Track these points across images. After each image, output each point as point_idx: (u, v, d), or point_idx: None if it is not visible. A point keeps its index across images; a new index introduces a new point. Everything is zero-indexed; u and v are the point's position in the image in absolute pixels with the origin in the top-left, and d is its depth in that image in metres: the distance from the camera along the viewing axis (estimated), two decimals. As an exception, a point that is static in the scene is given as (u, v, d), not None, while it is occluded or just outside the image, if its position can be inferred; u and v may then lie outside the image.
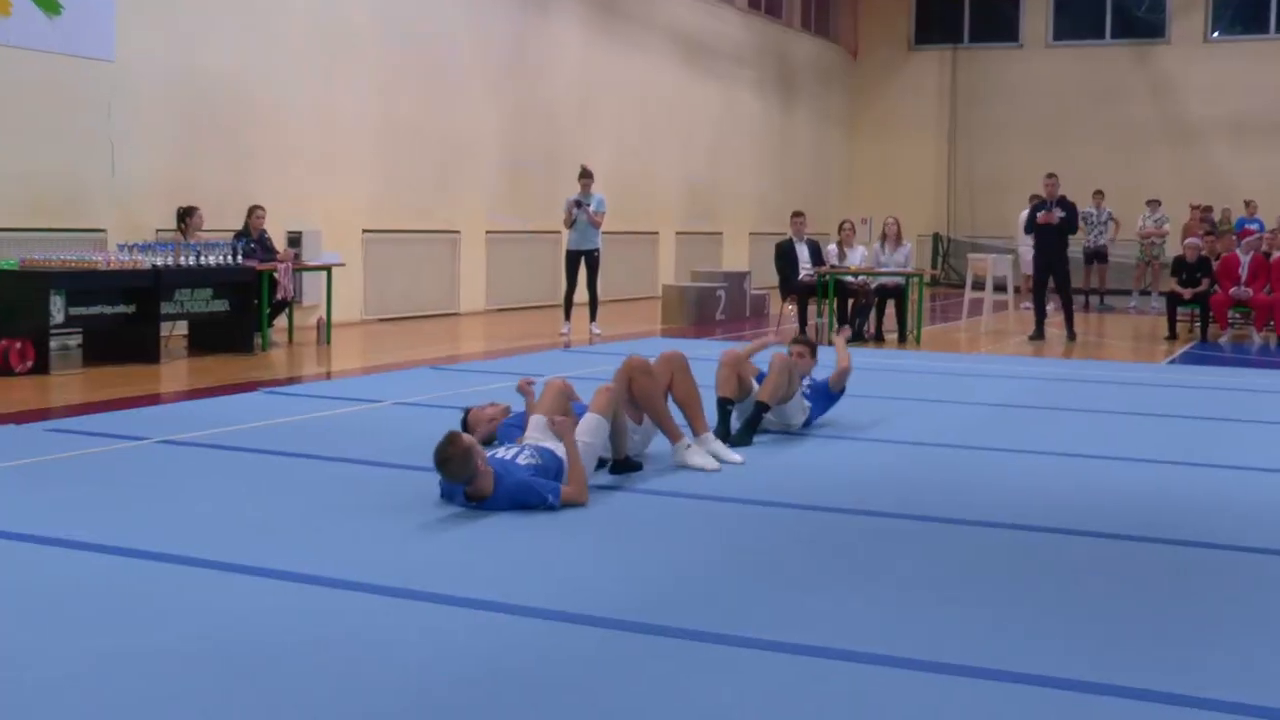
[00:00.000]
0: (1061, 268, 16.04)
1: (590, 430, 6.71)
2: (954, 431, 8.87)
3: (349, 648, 4.18)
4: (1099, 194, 22.59)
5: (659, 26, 23.50)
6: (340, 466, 7.18)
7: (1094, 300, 22.65)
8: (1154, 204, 22.80)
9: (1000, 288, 19.03)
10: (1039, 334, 16.04)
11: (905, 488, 6.99)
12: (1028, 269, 19.38)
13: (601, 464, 7.00)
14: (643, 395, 7.16)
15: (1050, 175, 16.39)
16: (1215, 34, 28.79)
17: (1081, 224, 22.27)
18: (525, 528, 5.82)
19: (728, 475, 7.17)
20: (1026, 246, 19.08)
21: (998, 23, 30.54)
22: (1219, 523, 6.24)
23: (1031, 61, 29.86)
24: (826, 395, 8.95)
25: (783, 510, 6.36)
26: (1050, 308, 16.75)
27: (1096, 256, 22.41)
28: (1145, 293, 22.97)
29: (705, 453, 7.32)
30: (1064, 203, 16.09)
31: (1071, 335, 16.08)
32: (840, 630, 4.43)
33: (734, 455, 7.51)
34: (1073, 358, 14.37)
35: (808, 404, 8.70)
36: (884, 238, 16.27)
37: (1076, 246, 22.39)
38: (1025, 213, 16.74)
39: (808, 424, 8.71)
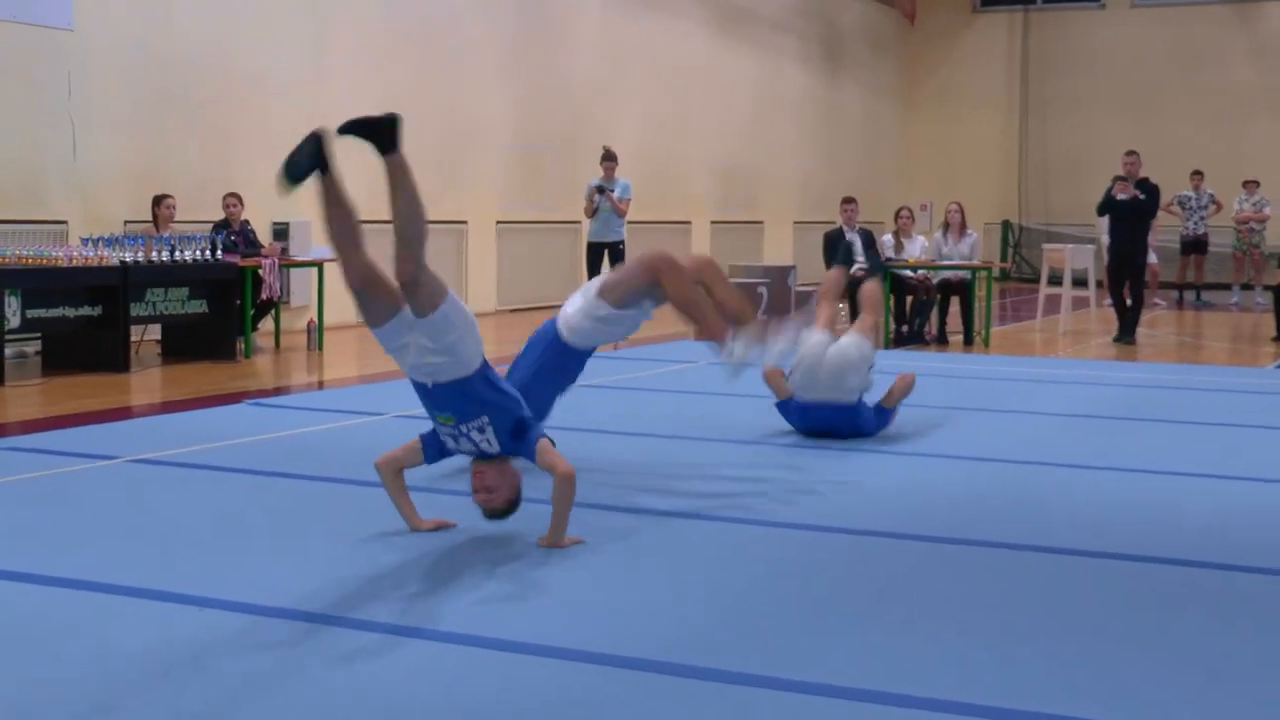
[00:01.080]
0: (1138, 258, 15.94)
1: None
2: (1026, 445, 8.85)
3: (332, 688, 4.20)
4: (1198, 174, 22.50)
5: (690, -12, 23.53)
6: (334, 488, 7.21)
7: (1190, 296, 22.57)
8: (1251, 185, 22.66)
9: (1080, 282, 18.96)
10: (1126, 335, 15.96)
11: (971, 509, 6.98)
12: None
13: None
14: (678, 296, 7.33)
15: (1130, 152, 16.29)
16: (1326, -11, 28.68)
17: (1178, 208, 22.24)
18: (546, 553, 5.83)
19: (769, 494, 7.17)
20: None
21: (1076, -20, 30.44)
22: (1331, 548, 6.21)
23: (1114, 23, 29.77)
24: (879, 413, 8.96)
25: (832, 535, 6.36)
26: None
27: (1195, 246, 22.32)
28: (1248, 286, 22.84)
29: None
30: (1145, 185, 16.00)
31: (1131, 337, 15.91)
32: (895, 673, 4.42)
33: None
34: (1165, 361, 14.32)
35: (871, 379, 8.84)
36: (946, 226, 16.24)
37: (1173, 234, 22.33)
38: (1104, 194, 16.68)
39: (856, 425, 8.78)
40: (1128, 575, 5.75)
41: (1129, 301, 16.15)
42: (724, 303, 7.59)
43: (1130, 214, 15.84)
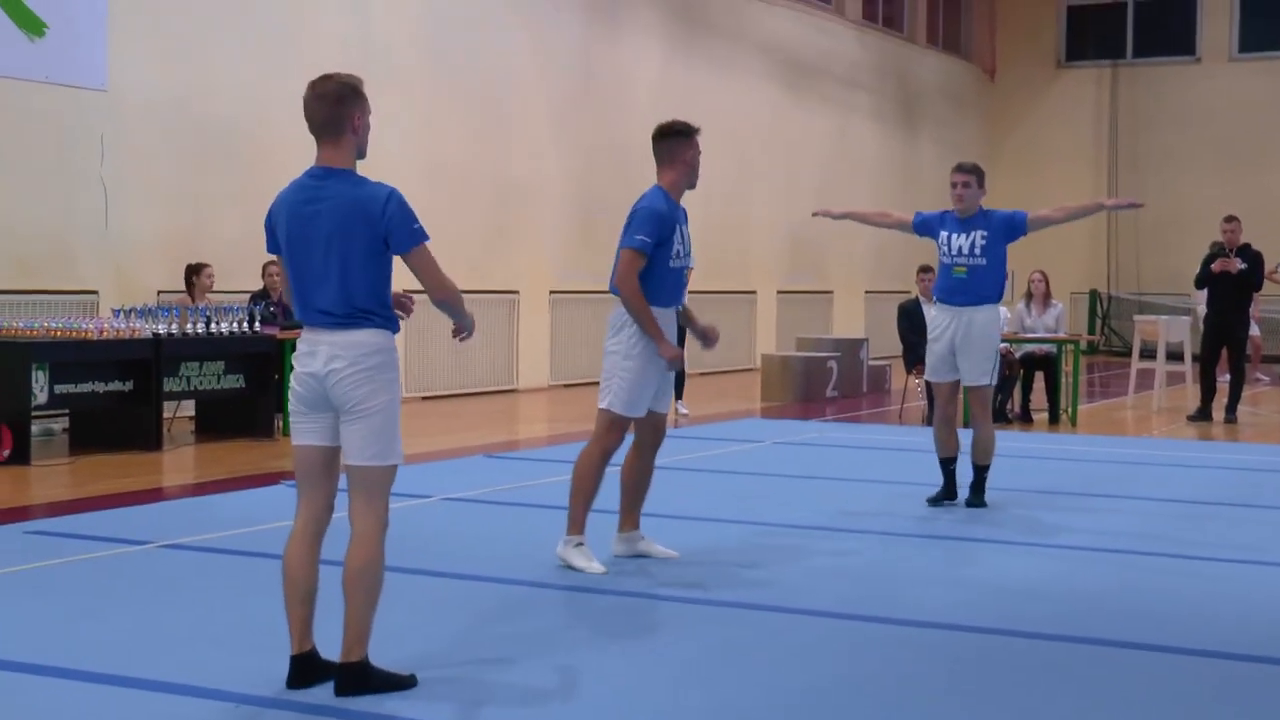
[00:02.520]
0: (1238, 331, 15.76)
1: None
2: (1122, 534, 8.74)
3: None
4: (1303, 239, 22.33)
5: (754, 42, 23.64)
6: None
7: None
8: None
9: (1175, 356, 18.80)
10: (1204, 413, 15.75)
11: (1064, 603, 6.88)
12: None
13: None
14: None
15: (1230, 218, 16.08)
16: None
17: (1281, 277, 22.03)
18: (602, 644, 5.78)
19: (845, 585, 7.10)
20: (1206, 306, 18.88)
21: (1168, 33, 30.40)
22: None
23: (1211, 78, 29.67)
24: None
25: (913, 630, 6.28)
26: (1223, 380, 16.41)
27: (1302, 317, 22.11)
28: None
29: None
30: (1247, 252, 15.79)
31: (1232, 416, 15.74)
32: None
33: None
34: (1270, 443, 14.14)
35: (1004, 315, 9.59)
36: (1029, 296, 16.15)
37: (1276, 304, 22.09)
38: (1201, 264, 16.55)
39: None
40: (1240, 678, 5.64)
41: (1226, 377, 15.98)
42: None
43: (1232, 284, 15.66)
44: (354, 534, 5.23)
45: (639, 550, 7.62)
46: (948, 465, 9.59)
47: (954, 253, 9.32)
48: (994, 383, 9.58)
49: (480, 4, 18.22)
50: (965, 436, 9.59)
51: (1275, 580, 7.49)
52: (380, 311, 5.23)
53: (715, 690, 5.34)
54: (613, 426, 7.46)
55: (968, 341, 9.28)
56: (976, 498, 9.49)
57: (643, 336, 7.43)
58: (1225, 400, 15.85)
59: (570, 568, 7.31)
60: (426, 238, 5.24)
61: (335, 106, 5.30)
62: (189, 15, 14.61)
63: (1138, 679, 5.56)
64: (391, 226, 5.15)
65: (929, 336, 9.54)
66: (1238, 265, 15.55)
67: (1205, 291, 16.43)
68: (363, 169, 5.40)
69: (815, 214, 10.20)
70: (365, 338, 5.18)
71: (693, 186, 7.80)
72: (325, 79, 5.34)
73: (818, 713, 5.09)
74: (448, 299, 5.34)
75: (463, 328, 5.51)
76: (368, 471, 5.22)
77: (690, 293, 16.52)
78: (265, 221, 5.44)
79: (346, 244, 5.17)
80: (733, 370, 22.47)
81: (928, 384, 15.43)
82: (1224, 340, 15.80)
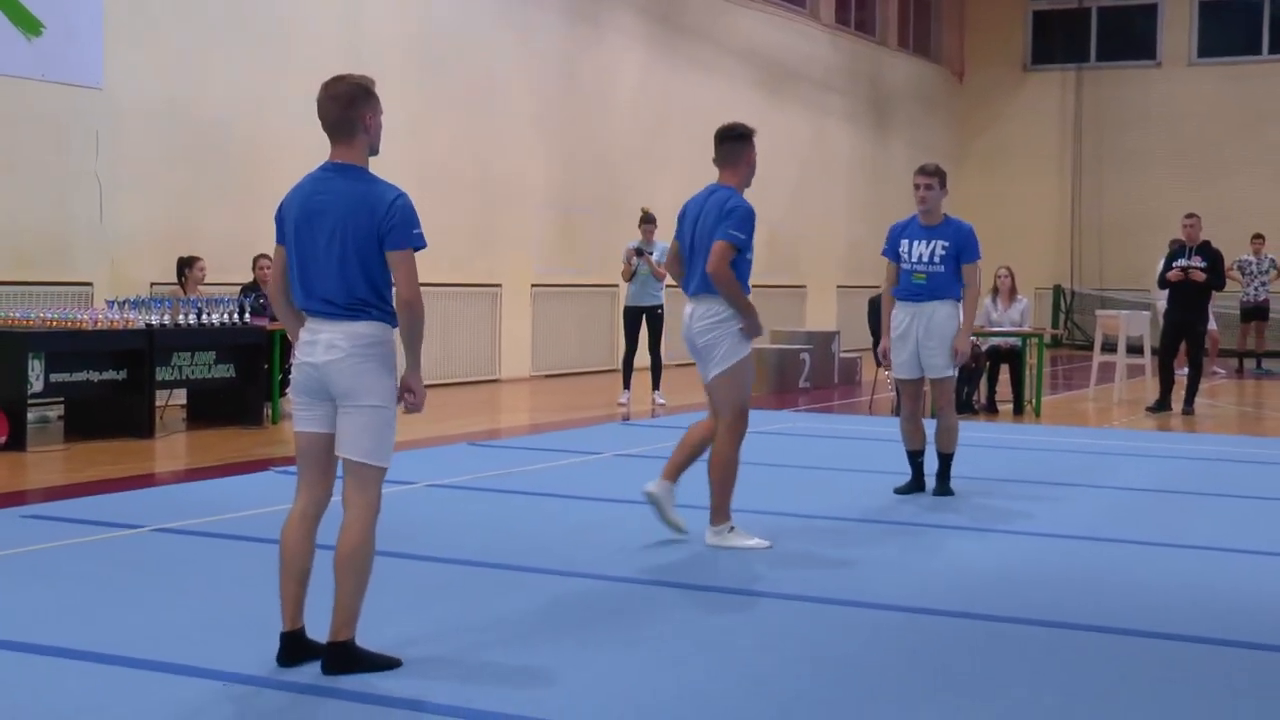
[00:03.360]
0: (1198, 327, 15.79)
1: None
2: (1083, 521, 8.77)
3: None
4: (1259, 238, 22.38)
5: (732, 46, 23.67)
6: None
7: (1250, 364, 22.41)
8: (1313, 248, 22.53)
9: (1136, 349, 18.86)
10: (1162, 405, 15.78)
11: (1025, 588, 6.92)
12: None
13: None
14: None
15: (1190, 216, 16.07)
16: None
17: (1238, 273, 22.11)
18: (582, 633, 5.80)
19: (813, 571, 7.13)
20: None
21: (1130, 38, 30.50)
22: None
23: (1171, 81, 29.76)
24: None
25: (880, 613, 6.31)
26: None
27: (1256, 313, 22.15)
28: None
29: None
30: (1207, 250, 15.78)
31: (1190, 408, 15.76)
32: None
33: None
34: (1226, 433, 14.21)
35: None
36: (995, 292, 16.19)
37: (1233, 300, 22.15)
38: (1162, 261, 16.56)
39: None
40: (1197, 660, 5.68)
41: (1185, 370, 16.01)
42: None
43: (1194, 285, 15.61)
44: (346, 519, 5.26)
45: (666, 501, 7.81)
46: (916, 458, 9.63)
47: (914, 260, 9.36)
48: (955, 374, 9.61)
49: (467, 9, 18.21)
50: (930, 426, 9.63)
51: (1229, 566, 7.53)
52: (379, 304, 5.24)
53: (686, 673, 5.36)
54: (742, 415, 7.69)
55: (929, 336, 9.32)
56: (943, 486, 9.54)
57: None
58: (1184, 393, 15.90)
59: (733, 549, 7.56)
60: (422, 245, 5.26)
61: (347, 108, 5.37)
62: (183, 16, 14.57)
63: (1096, 661, 5.59)
64: (393, 224, 5.17)
65: (892, 334, 9.52)
66: (1200, 275, 15.52)
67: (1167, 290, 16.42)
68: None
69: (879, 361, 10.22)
70: (364, 329, 5.20)
71: (748, 185, 8.07)
72: (338, 80, 5.39)
73: (787, 695, 5.12)
74: (411, 306, 5.26)
75: (411, 387, 5.36)
76: (359, 465, 5.24)
77: (670, 287, 16.60)
78: (275, 214, 5.46)
79: (350, 236, 5.19)
80: (709, 362, 22.46)
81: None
82: (1183, 336, 15.79)
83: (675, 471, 7.86)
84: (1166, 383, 15.91)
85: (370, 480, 5.28)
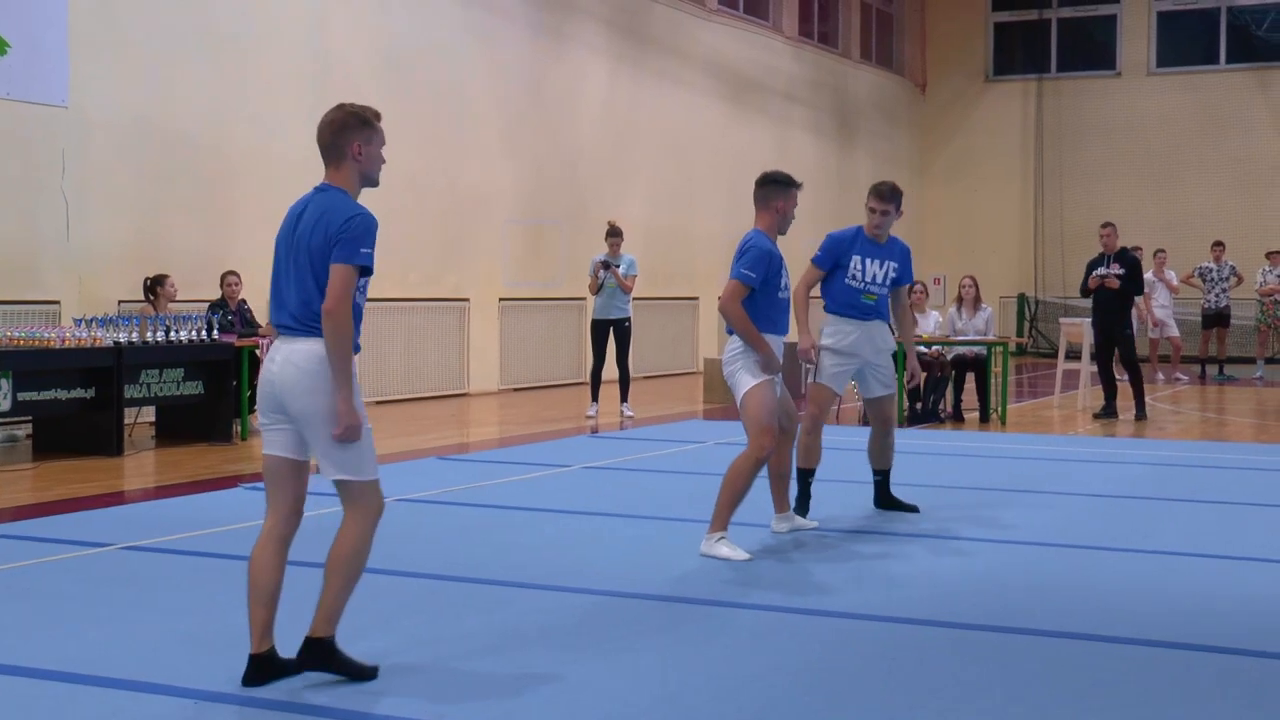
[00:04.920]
0: (1124, 331, 15.95)
1: None
2: (1050, 528, 8.80)
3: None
4: (1219, 245, 22.49)
5: (696, 58, 23.69)
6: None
7: (1212, 370, 22.53)
8: (1275, 256, 22.58)
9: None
10: (1109, 410, 15.90)
11: (993, 595, 6.92)
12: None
13: None
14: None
15: (1106, 225, 16.34)
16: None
17: (1199, 280, 22.26)
18: (562, 640, 5.78)
19: (788, 580, 7.12)
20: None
21: (1090, 49, 30.68)
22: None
23: (1131, 91, 29.94)
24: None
25: (850, 622, 6.31)
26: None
27: (1217, 319, 22.26)
28: (1272, 360, 22.79)
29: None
30: (1125, 258, 16.01)
31: (1141, 413, 15.91)
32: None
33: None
34: (1189, 439, 14.27)
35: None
36: (960, 301, 16.23)
37: (1194, 306, 22.28)
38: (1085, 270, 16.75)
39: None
40: (1162, 663, 5.69)
41: (1125, 377, 16.20)
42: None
43: (1110, 292, 15.91)
44: (344, 522, 5.26)
45: (792, 523, 8.51)
46: (809, 476, 8.98)
47: (867, 280, 9.07)
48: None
49: (432, 22, 18.18)
50: (858, 438, 9.60)
51: (1195, 570, 7.56)
52: None
53: (658, 684, 5.34)
54: (760, 435, 7.90)
55: (878, 354, 9.19)
56: (901, 502, 9.32)
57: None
58: (1133, 400, 16.06)
59: (714, 558, 7.66)
60: (366, 264, 5.16)
61: (335, 135, 5.35)
62: (149, 33, 14.51)
63: (1066, 667, 5.59)
64: (342, 238, 5.12)
65: (835, 345, 9.19)
66: (1114, 282, 15.76)
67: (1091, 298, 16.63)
68: (313, 178, 5.43)
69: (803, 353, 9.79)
70: (317, 346, 5.16)
71: (783, 233, 8.34)
72: (336, 108, 5.42)
73: (759, 704, 5.10)
74: (331, 315, 5.07)
75: (337, 412, 5.12)
76: (344, 483, 5.22)
77: (637, 299, 16.61)
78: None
79: (307, 250, 5.17)
80: (676, 373, 22.50)
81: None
82: (1110, 341, 16.03)
83: (781, 502, 8.48)
84: (1109, 389, 16.08)
85: (360, 492, 5.27)
